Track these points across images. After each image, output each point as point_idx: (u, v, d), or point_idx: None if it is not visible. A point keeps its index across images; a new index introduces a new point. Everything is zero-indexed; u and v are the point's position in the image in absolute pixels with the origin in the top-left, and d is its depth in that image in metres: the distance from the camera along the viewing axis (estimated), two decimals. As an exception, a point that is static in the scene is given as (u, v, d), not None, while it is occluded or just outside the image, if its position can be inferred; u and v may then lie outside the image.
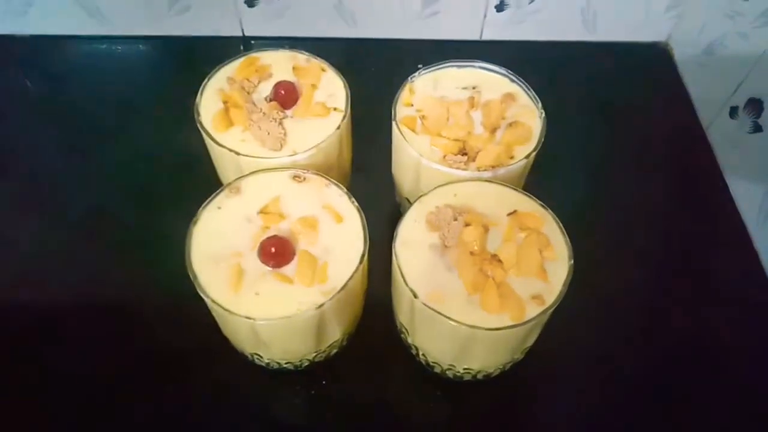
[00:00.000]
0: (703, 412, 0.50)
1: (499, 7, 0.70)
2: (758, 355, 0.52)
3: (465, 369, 0.46)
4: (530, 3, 0.70)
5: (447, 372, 0.47)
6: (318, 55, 0.54)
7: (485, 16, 0.71)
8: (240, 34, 0.73)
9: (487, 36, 0.73)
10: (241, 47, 0.73)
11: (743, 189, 0.61)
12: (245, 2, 0.70)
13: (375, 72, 0.70)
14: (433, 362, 0.47)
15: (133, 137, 0.65)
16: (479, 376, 0.47)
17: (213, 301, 0.40)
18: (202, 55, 0.72)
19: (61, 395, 0.49)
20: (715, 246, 0.59)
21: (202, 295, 0.41)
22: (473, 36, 0.74)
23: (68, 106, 0.68)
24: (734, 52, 0.64)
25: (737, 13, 0.63)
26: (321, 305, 0.40)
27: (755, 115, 0.59)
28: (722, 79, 0.64)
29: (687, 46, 0.72)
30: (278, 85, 0.50)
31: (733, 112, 0.62)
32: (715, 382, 0.51)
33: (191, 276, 0.41)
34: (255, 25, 0.72)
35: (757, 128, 0.59)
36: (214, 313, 0.43)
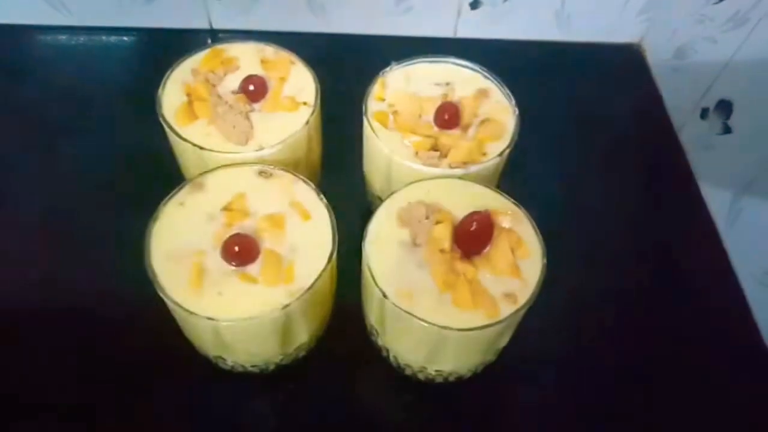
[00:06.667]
0: (678, 411, 0.49)
1: (474, 5, 0.70)
2: (728, 353, 0.53)
3: (437, 371, 0.44)
4: (504, 2, 0.69)
5: (418, 374, 0.46)
6: (288, 50, 0.52)
7: (459, 13, 0.70)
8: (208, 26, 0.71)
9: (461, 34, 0.73)
10: (209, 40, 0.71)
11: (713, 190, 0.61)
12: (213, -6, 0.68)
13: (347, 68, 0.68)
14: (404, 364, 0.46)
15: (96, 132, 0.62)
16: (451, 378, 0.46)
17: (173, 302, 0.38)
18: (169, 48, 0.70)
19: (16, 401, 0.46)
20: (686, 246, 0.59)
21: (161, 295, 0.39)
22: (447, 33, 0.73)
23: (27, 99, 0.65)
24: (704, 55, 0.64)
25: (707, 18, 0.63)
26: (287, 305, 0.38)
27: (725, 117, 0.59)
28: (693, 82, 0.65)
29: (659, 48, 0.72)
30: (247, 80, 0.48)
31: (704, 113, 0.63)
32: (686, 380, 0.51)
33: (150, 275, 0.39)
34: (223, 17, 0.70)
35: (727, 130, 0.59)
36: (174, 315, 0.41)
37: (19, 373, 0.47)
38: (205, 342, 0.42)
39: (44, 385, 0.47)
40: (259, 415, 0.47)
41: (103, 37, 0.71)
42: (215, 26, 0.71)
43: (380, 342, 0.46)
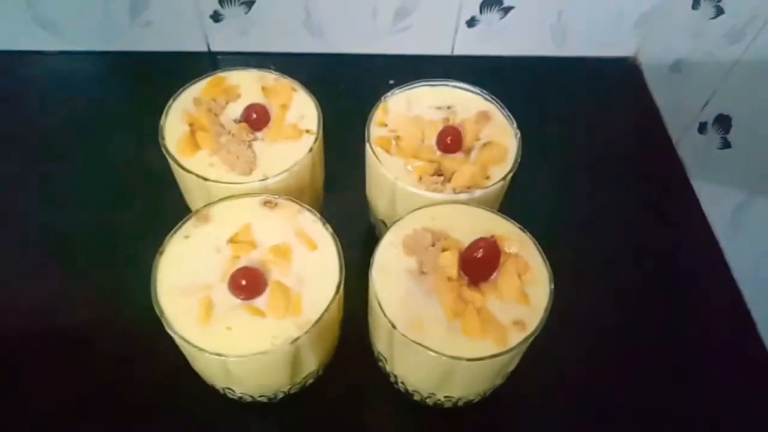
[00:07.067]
0: (688, 429, 0.49)
1: (471, 23, 0.70)
2: (735, 367, 0.53)
3: (446, 396, 0.44)
4: (501, 19, 0.70)
5: (427, 400, 0.46)
6: (286, 71, 0.52)
7: (457, 31, 0.71)
8: (206, 49, 0.71)
9: (459, 51, 0.73)
10: (207, 63, 0.71)
11: (714, 205, 0.61)
12: (211, 17, 0.67)
13: (345, 88, 0.69)
14: (413, 390, 0.46)
15: (94, 160, 0.62)
16: (460, 403, 0.46)
17: (181, 338, 0.38)
18: (166, 72, 0.70)
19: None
20: (689, 261, 0.60)
21: (169, 331, 0.39)
22: (444, 51, 0.73)
23: (23, 125, 0.65)
24: (701, 69, 0.65)
25: (703, 31, 0.64)
26: (296, 339, 0.38)
27: (724, 132, 0.60)
28: (690, 96, 0.65)
29: (655, 62, 0.73)
30: (249, 108, 0.48)
31: (702, 128, 0.63)
32: (697, 397, 0.51)
33: (157, 311, 0.39)
34: (221, 40, 0.70)
35: (726, 145, 0.60)
36: (182, 349, 0.41)
37: (15, 402, 0.47)
38: (214, 375, 0.42)
39: (41, 414, 0.47)
40: (268, 444, 0.47)
41: (100, 62, 0.70)
42: (213, 49, 0.71)
43: (388, 369, 0.46)
